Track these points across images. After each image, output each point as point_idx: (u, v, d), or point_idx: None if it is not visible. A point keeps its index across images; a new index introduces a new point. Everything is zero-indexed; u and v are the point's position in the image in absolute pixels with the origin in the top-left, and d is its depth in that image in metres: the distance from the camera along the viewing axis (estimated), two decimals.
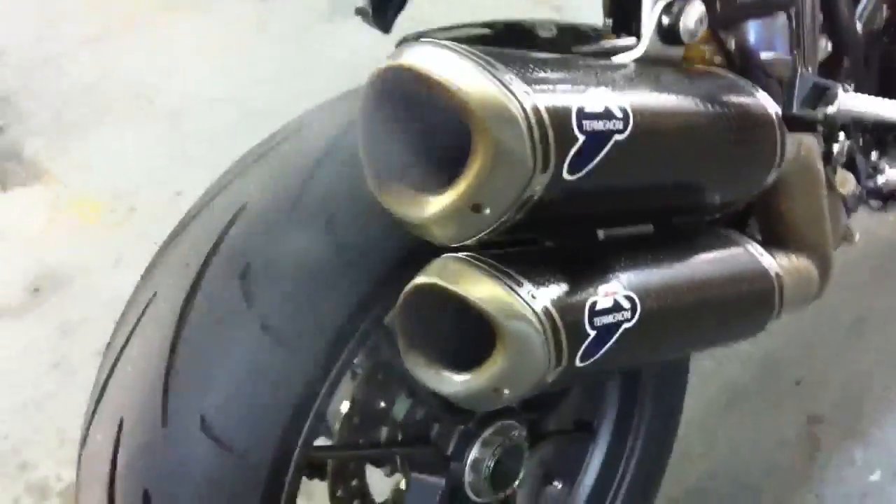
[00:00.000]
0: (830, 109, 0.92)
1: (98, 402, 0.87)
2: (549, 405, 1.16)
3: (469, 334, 0.80)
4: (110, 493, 0.83)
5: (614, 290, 0.85)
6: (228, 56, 2.81)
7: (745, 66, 0.98)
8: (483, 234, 0.76)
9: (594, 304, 0.82)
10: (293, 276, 0.84)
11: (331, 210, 0.85)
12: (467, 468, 1.05)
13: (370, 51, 1.11)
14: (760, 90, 0.96)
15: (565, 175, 0.74)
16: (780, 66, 0.97)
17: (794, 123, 0.98)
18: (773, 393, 1.75)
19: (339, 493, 1.07)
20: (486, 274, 0.78)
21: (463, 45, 0.72)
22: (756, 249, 1.02)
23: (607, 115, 0.76)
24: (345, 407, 1.02)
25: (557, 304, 0.79)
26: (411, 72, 0.69)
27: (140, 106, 2.63)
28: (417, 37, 0.78)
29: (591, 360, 0.84)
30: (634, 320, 0.86)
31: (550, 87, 0.74)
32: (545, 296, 0.78)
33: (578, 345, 0.81)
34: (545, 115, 0.71)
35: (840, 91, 0.91)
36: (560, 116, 0.72)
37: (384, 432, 1.04)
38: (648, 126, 0.81)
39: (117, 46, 2.86)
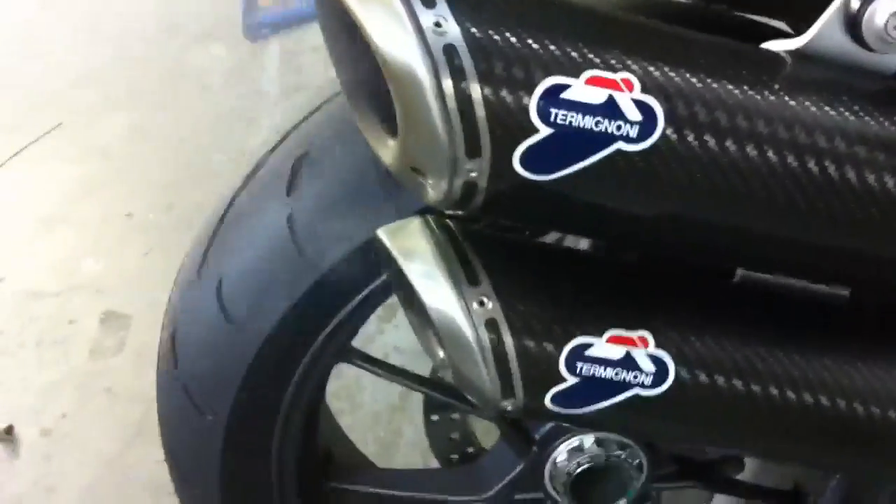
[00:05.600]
0: None
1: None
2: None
3: None
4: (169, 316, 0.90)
5: (633, 340, 0.64)
6: None
7: None
8: (448, 205, 0.62)
9: (583, 345, 0.63)
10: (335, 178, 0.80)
11: None
12: (549, 464, 0.91)
13: None
14: None
15: (518, 169, 0.56)
16: None
17: None
18: None
19: (433, 417, 1.02)
20: (439, 253, 0.63)
21: None
22: None
23: (609, 110, 0.55)
24: None
25: (517, 323, 0.62)
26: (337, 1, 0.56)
27: None
28: None
29: (573, 409, 0.66)
30: (657, 391, 0.64)
31: (515, 46, 0.53)
32: (502, 308, 0.62)
33: (543, 384, 0.64)
34: (475, 88, 0.53)
35: None
36: (505, 94, 0.54)
37: None
38: (694, 134, 0.56)
39: None
